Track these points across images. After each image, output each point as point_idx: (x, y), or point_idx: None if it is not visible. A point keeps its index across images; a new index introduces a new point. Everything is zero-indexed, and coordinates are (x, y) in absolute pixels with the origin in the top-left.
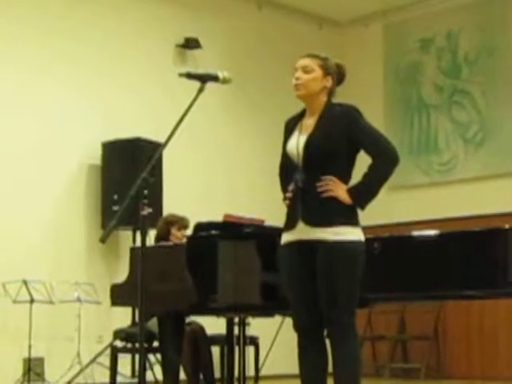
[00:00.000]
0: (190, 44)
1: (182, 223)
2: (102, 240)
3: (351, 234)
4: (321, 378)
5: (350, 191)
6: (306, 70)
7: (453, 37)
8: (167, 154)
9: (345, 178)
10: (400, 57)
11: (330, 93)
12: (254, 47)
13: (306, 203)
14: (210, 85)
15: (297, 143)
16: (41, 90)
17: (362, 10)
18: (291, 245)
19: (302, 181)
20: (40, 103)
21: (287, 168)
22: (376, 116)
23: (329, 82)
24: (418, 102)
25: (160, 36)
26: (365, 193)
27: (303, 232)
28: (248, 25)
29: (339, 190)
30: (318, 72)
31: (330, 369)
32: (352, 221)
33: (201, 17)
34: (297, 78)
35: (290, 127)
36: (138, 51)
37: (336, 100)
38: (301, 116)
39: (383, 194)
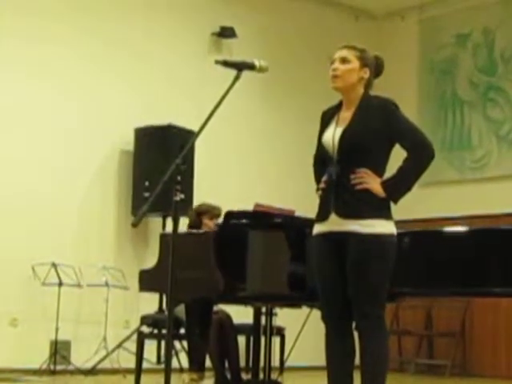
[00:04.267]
0: (226, 33)
1: (213, 212)
2: (134, 224)
3: (383, 227)
4: (348, 370)
5: (384, 184)
6: (343, 61)
7: (489, 33)
8: (199, 142)
9: (379, 171)
10: (435, 51)
11: (368, 85)
12: (289, 38)
13: (339, 195)
14: (244, 74)
15: (333, 135)
16: (75, 74)
17: (399, 3)
18: (323, 236)
19: (337, 173)
20: (73, 88)
21: (322, 159)
22: (409, 110)
23: (366, 74)
24: (453, 97)
25: (196, 24)
26: (399, 186)
27: (335, 224)
28: (283, 15)
29: (373, 183)
30: (356, 63)
31: (357, 361)
32: (385, 214)
33: (236, 6)
34: (334, 69)
35: (327, 119)
36: (174, 39)
37: (371, 93)
38: (338, 108)
39: (415, 189)
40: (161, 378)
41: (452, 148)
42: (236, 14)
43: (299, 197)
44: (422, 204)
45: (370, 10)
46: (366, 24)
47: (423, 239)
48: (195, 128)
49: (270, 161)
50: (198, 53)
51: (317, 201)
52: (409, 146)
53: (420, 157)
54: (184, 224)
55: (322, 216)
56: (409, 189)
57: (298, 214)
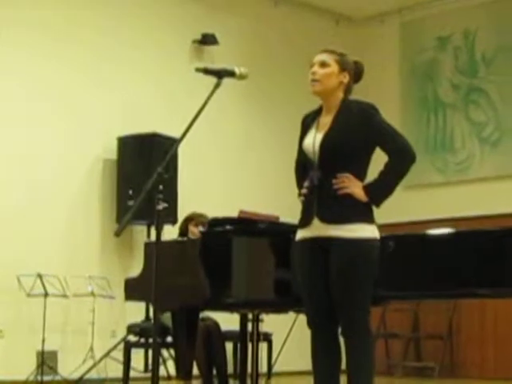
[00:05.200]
0: (207, 40)
1: (198, 219)
2: (117, 234)
3: (366, 231)
4: (334, 375)
5: (366, 188)
6: (322, 65)
7: (469, 35)
8: (183, 150)
9: (360, 175)
10: (416, 55)
11: (347, 89)
12: (271, 44)
13: (322, 200)
14: (227, 81)
15: (313, 141)
16: (57, 82)
17: (379, 7)
18: (306, 241)
19: (318, 178)
20: (56, 96)
21: (303, 164)
22: (392, 114)
23: (345, 78)
24: (435, 100)
25: (177, 31)
26: (381, 190)
27: (318, 229)
28: (264, 21)
29: (355, 187)
30: (335, 67)
31: (344, 365)
32: (367, 218)
33: (218, 13)
34: (313, 73)
35: (307, 124)
36: (156, 46)
37: (352, 97)
38: (318, 113)
39: (398, 192)
40: None
41: (435, 150)
42: (217, 21)
43: (284, 203)
44: (405, 207)
45: (351, 14)
46: (347, 28)
47: (408, 242)
48: (179, 136)
49: (254, 167)
50: (180, 60)
51: (301, 206)
52: (390, 150)
53: (401, 161)
54: (168, 232)
55: (305, 221)
56: (390, 192)
57: (282, 219)
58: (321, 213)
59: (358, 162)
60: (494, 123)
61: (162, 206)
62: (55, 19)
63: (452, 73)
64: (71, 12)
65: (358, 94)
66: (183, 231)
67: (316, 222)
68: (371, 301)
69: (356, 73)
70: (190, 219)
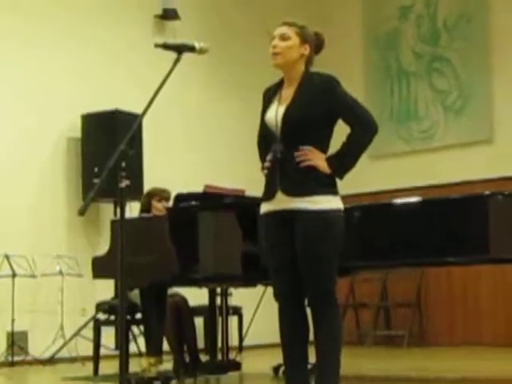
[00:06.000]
0: (169, 15)
1: (162, 195)
2: (81, 212)
3: (330, 203)
4: (302, 346)
5: (329, 160)
6: (283, 38)
7: (431, 4)
8: (147, 126)
9: (323, 147)
10: (379, 24)
11: (308, 61)
12: (232, 18)
13: (285, 173)
14: (189, 55)
15: (275, 114)
16: (19, 60)
17: None
18: (270, 214)
19: (281, 151)
20: (18, 74)
21: (266, 138)
22: (356, 84)
23: (306, 50)
24: (398, 69)
25: (138, 6)
26: (343, 162)
27: (282, 202)
28: None
29: (318, 160)
30: (295, 40)
31: (312, 337)
32: (331, 190)
33: None
34: (274, 46)
35: (269, 97)
36: (117, 22)
37: (316, 68)
38: (279, 85)
39: (364, 162)
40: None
41: (399, 120)
42: None
43: (250, 176)
44: (370, 176)
45: None
46: None
47: (373, 213)
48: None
49: (220, 141)
50: (142, 36)
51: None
52: (352, 122)
53: (364, 132)
54: (135, 209)
55: (269, 195)
56: (353, 164)
57: (248, 193)
58: (284, 186)
59: (320, 135)
60: (456, 91)
61: (124, 183)
62: None
63: (415, 41)
64: None
65: (322, 64)
66: (146, 207)
67: (279, 195)
68: (340, 272)
69: (317, 44)
70: (152, 195)
